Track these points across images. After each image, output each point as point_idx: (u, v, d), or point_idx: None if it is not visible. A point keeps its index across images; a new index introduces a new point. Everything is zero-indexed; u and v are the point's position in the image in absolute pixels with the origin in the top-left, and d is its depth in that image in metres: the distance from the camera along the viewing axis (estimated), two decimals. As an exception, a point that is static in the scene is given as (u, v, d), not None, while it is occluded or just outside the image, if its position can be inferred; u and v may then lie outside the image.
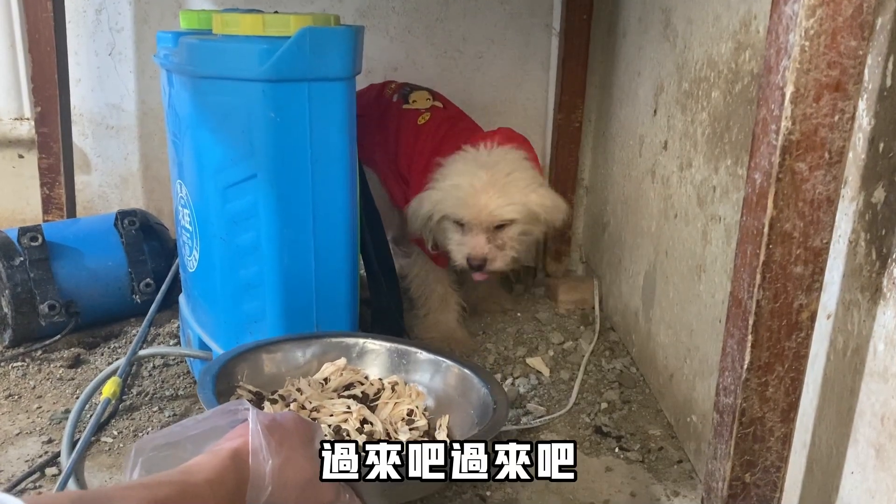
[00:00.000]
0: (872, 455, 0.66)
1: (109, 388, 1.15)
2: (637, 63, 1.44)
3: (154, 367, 1.34)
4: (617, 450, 1.15)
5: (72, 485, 1.00)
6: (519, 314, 1.60)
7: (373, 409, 1.03)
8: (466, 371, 1.07)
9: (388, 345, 1.14)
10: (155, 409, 1.22)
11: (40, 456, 1.09)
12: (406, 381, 1.11)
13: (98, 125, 1.78)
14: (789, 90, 0.60)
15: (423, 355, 1.12)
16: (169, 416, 1.20)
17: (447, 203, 1.33)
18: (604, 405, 1.27)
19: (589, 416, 1.24)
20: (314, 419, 0.98)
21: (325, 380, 1.09)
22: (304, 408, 1.01)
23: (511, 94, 1.76)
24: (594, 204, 1.74)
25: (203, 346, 1.23)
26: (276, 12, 1.12)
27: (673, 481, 1.08)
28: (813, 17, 0.58)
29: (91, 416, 1.12)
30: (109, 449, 1.11)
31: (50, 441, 1.12)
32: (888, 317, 0.65)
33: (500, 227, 1.34)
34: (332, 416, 0.99)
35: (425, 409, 1.07)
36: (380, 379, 1.11)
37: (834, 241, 0.73)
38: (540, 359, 1.40)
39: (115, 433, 1.15)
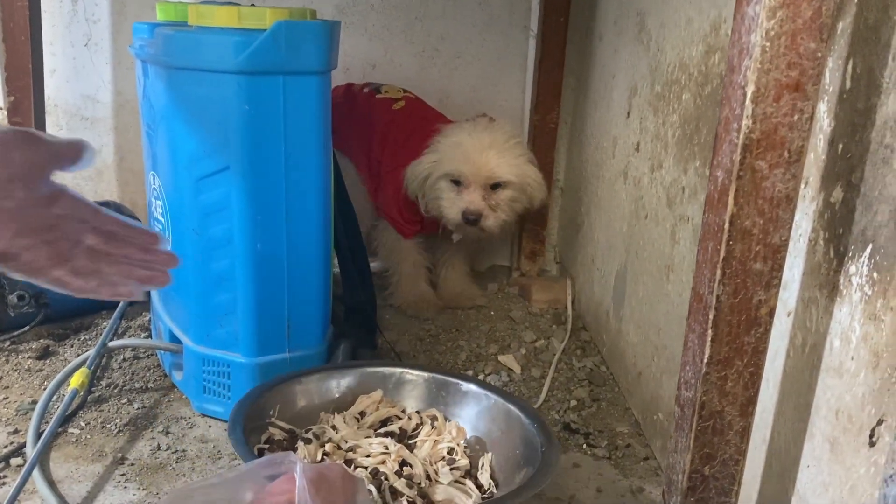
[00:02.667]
0: (827, 449, 0.68)
1: (77, 379, 1.14)
2: (612, 65, 1.45)
3: (124, 359, 1.33)
4: (585, 446, 1.16)
5: (37, 475, 0.99)
6: (492, 312, 1.61)
7: (411, 448, 0.99)
8: (511, 406, 1.01)
9: (426, 375, 1.09)
10: (124, 401, 1.21)
11: (6, 446, 1.08)
12: (445, 414, 1.06)
13: (73, 116, 1.76)
14: (750, 89, 0.61)
15: (464, 386, 1.06)
16: (138, 408, 1.19)
17: (447, 160, 1.43)
18: (573, 402, 1.28)
19: (558, 413, 1.25)
20: (350, 460, 0.95)
21: (361, 414, 1.04)
22: (339, 448, 0.96)
23: (488, 95, 1.78)
24: (569, 204, 1.76)
25: (174, 338, 1.23)
26: (252, 5, 1.13)
27: (639, 477, 1.09)
28: (773, 19, 0.59)
29: (57, 407, 1.12)
30: (76, 440, 1.11)
31: (16, 432, 1.12)
32: (844, 314, 0.66)
33: (495, 187, 1.44)
34: (368, 456, 0.95)
35: (466, 447, 1.02)
36: (417, 412, 1.06)
37: (795, 239, 0.75)
38: (512, 356, 1.41)
39: (83, 424, 1.14)
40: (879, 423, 0.60)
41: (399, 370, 1.09)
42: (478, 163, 1.41)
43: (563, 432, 1.20)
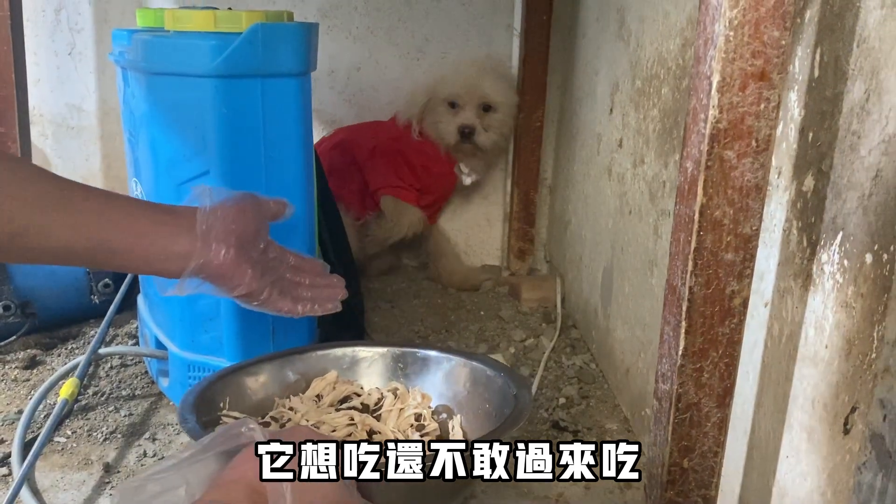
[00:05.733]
0: (805, 438, 0.68)
1: (67, 389, 1.13)
2: (595, 63, 1.45)
3: (111, 367, 1.33)
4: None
5: (24, 490, 0.99)
6: (482, 312, 1.61)
7: (377, 420, 0.94)
8: (473, 363, 0.98)
9: (381, 350, 1.03)
10: (111, 408, 1.21)
11: (-9, 456, 1.07)
12: (407, 386, 1.01)
13: (58, 126, 1.76)
14: (716, 79, 0.61)
15: (421, 353, 1.01)
16: (125, 416, 1.19)
17: (444, 83, 1.62)
18: (562, 400, 1.28)
19: (547, 411, 1.25)
20: None
21: (318, 397, 0.98)
22: None
23: (474, 95, 1.77)
24: (557, 203, 1.75)
25: (160, 345, 1.22)
26: (230, 9, 1.12)
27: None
28: (736, 8, 0.59)
29: (44, 416, 1.11)
30: (62, 449, 1.10)
31: (1, 442, 1.11)
32: (817, 302, 0.66)
33: (487, 109, 1.63)
34: (334, 430, 0.89)
35: (433, 412, 0.96)
36: (377, 388, 1.00)
37: (770, 230, 0.75)
38: (501, 355, 1.41)
39: (69, 433, 1.14)
40: (853, 410, 0.60)
41: (351, 349, 1.04)
42: (472, 85, 1.59)
43: (552, 430, 1.19)
